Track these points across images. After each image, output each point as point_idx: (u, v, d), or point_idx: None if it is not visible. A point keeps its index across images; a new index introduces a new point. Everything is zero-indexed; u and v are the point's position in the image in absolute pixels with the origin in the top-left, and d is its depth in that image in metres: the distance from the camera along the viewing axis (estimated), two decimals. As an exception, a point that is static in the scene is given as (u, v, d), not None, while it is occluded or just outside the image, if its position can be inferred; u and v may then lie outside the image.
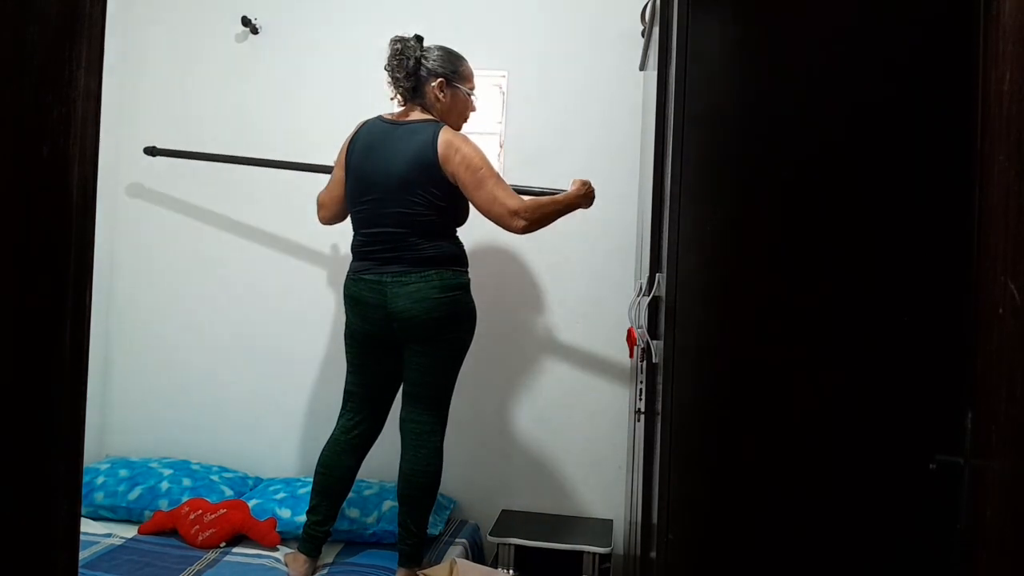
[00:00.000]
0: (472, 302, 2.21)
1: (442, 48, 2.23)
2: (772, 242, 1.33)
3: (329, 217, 2.34)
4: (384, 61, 2.17)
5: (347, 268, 2.21)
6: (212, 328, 2.88)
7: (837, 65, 1.32)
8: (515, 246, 2.71)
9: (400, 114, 2.21)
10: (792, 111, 1.33)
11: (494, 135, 2.80)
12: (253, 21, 2.82)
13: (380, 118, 2.22)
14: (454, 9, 2.73)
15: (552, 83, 2.72)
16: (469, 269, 2.23)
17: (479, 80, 2.76)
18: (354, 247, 2.21)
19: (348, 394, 2.25)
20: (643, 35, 2.50)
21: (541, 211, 2.14)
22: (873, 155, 1.30)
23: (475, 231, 2.72)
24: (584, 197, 2.24)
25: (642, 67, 2.56)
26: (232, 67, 2.88)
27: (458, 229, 2.24)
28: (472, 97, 2.30)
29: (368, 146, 2.18)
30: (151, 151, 2.75)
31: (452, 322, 2.14)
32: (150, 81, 2.93)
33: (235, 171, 2.87)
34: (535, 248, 2.69)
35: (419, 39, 2.20)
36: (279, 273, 2.83)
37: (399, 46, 2.16)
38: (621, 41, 2.67)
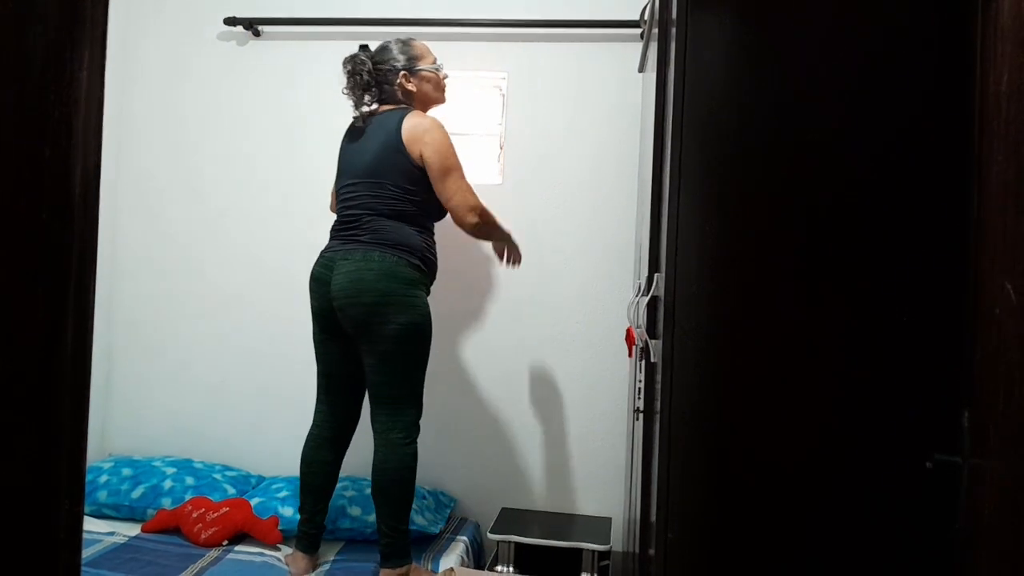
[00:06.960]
0: (422, 306, 2.09)
1: (387, 43, 2.26)
2: (770, 242, 1.33)
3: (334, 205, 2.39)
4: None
5: None
6: (215, 326, 2.89)
7: (836, 66, 1.32)
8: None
9: (371, 112, 2.26)
10: (790, 112, 1.33)
11: (494, 136, 2.80)
12: (254, 24, 2.82)
13: (357, 117, 2.28)
14: (453, 11, 2.74)
15: (552, 85, 2.72)
16: (436, 278, 2.24)
17: (479, 80, 2.78)
18: (330, 231, 2.25)
19: (318, 386, 2.25)
20: (642, 36, 2.50)
21: (491, 221, 2.25)
22: (871, 155, 1.30)
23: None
24: (514, 251, 2.39)
25: (641, 69, 2.56)
26: (233, 69, 2.88)
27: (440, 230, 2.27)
28: (438, 69, 2.30)
29: (347, 141, 2.27)
30: (231, 21, 2.80)
31: (386, 311, 2.02)
32: (151, 82, 2.94)
33: (237, 171, 2.88)
34: (534, 248, 2.70)
35: (364, 47, 2.26)
36: (282, 272, 2.84)
37: (350, 66, 2.22)
38: (620, 43, 2.67)
